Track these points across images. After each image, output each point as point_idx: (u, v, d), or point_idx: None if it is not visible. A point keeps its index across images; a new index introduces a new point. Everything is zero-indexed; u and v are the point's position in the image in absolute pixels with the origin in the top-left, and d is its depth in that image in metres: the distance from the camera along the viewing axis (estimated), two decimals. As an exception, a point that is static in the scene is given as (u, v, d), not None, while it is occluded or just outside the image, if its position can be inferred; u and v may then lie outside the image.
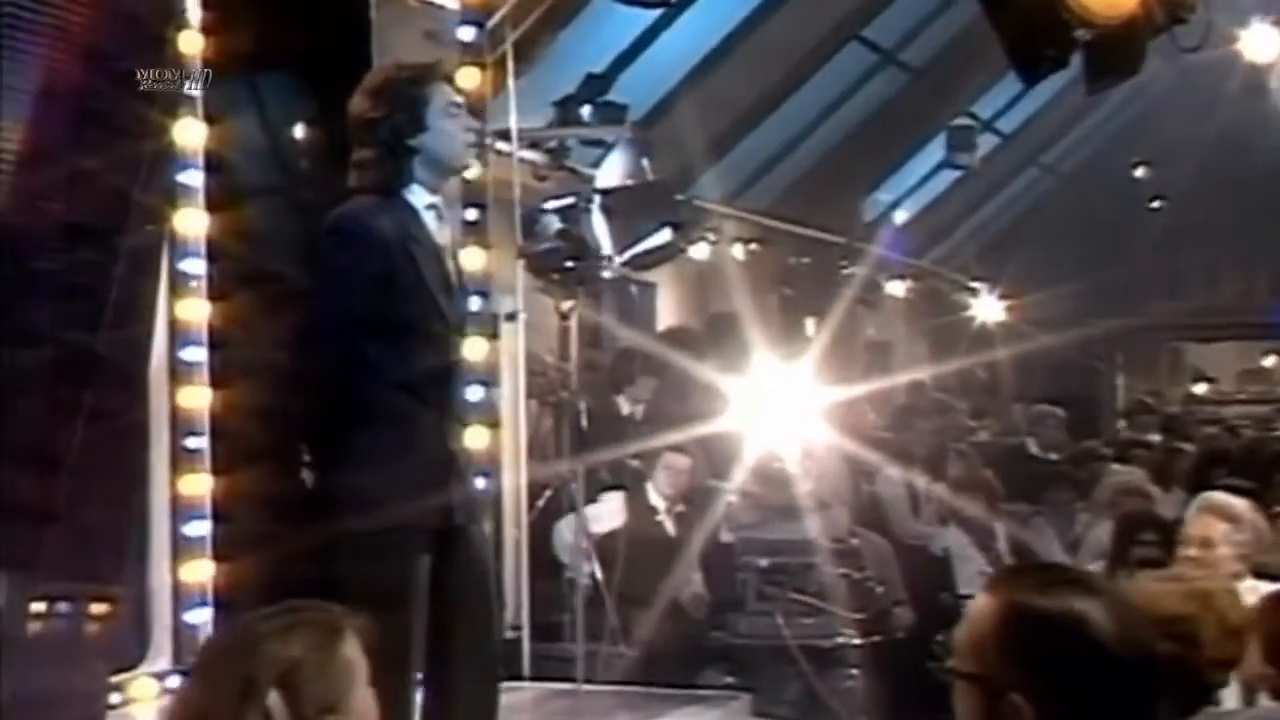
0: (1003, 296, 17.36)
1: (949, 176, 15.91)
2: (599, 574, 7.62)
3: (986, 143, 15.57)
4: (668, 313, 13.14)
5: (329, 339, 3.98)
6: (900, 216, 16.40)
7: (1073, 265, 17.27)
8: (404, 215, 4.11)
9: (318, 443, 4.10)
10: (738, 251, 12.24)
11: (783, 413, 7.57)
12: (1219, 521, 4.81)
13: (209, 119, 5.30)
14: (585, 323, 8.27)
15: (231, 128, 5.49)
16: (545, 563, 7.63)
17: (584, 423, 8.37)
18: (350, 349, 3.98)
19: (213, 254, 5.41)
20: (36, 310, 4.53)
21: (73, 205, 4.57)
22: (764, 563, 7.27)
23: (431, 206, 4.19)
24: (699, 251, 11.57)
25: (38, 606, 4.84)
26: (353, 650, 2.44)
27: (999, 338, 16.96)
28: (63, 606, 4.92)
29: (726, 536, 7.67)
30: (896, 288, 16.35)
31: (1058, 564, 2.52)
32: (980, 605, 2.13)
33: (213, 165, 5.37)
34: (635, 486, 7.97)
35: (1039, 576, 2.18)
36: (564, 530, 7.72)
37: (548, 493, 7.82)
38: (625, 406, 8.89)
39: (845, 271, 14.40)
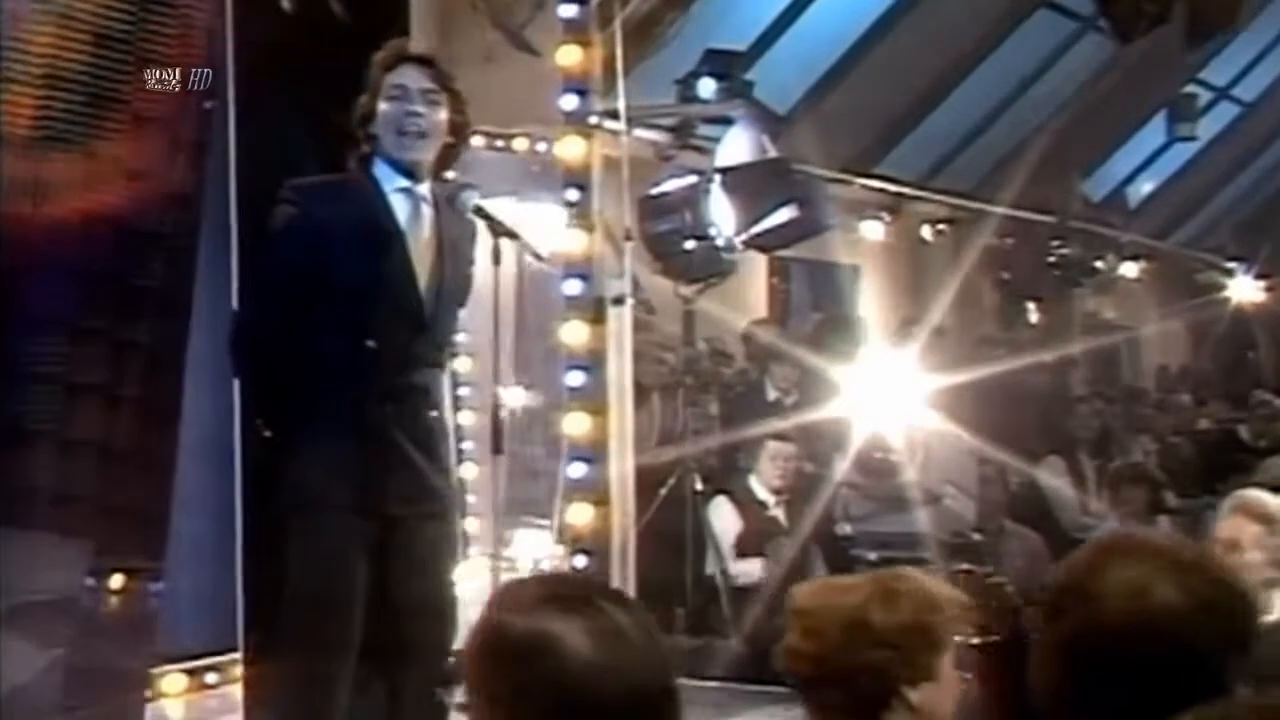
0: (1259, 276, 16.71)
1: (1185, 151, 15.36)
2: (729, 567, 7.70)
3: (1225, 113, 14.98)
4: (873, 296, 13.05)
5: (260, 312, 4.14)
6: (1135, 194, 15.90)
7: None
8: (362, 195, 4.19)
9: (268, 420, 4.24)
10: (926, 232, 12.07)
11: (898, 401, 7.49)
12: (1250, 523, 4.44)
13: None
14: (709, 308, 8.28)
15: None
16: (666, 552, 7.69)
17: (715, 409, 8.45)
18: (278, 326, 4.11)
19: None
20: (88, 303, 4.83)
21: (123, 205, 4.86)
22: (873, 556, 7.19)
23: (405, 191, 4.23)
24: (872, 231, 11.50)
25: (93, 581, 5.16)
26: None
27: (1256, 320, 16.35)
28: (117, 582, 5.24)
29: (844, 528, 7.61)
30: (1129, 269, 15.88)
31: (569, 576, 2.22)
32: (475, 621, 2.00)
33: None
34: (737, 483, 7.97)
35: (533, 590, 2.01)
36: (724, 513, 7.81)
37: (670, 481, 7.88)
38: (771, 392, 8.90)
39: (1061, 252, 14.05)
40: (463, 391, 9.76)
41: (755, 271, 12.06)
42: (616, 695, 1.89)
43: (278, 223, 4.19)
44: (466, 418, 9.81)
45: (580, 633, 1.90)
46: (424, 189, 4.28)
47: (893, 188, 11.47)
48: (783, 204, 7.65)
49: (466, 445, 9.88)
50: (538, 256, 4.16)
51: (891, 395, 8.10)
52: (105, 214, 4.75)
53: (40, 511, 4.68)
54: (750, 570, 7.65)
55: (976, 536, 7.54)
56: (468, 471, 10.04)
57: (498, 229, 4.15)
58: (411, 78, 4.21)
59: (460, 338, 9.51)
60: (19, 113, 4.50)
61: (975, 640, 7.15)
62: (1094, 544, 2.06)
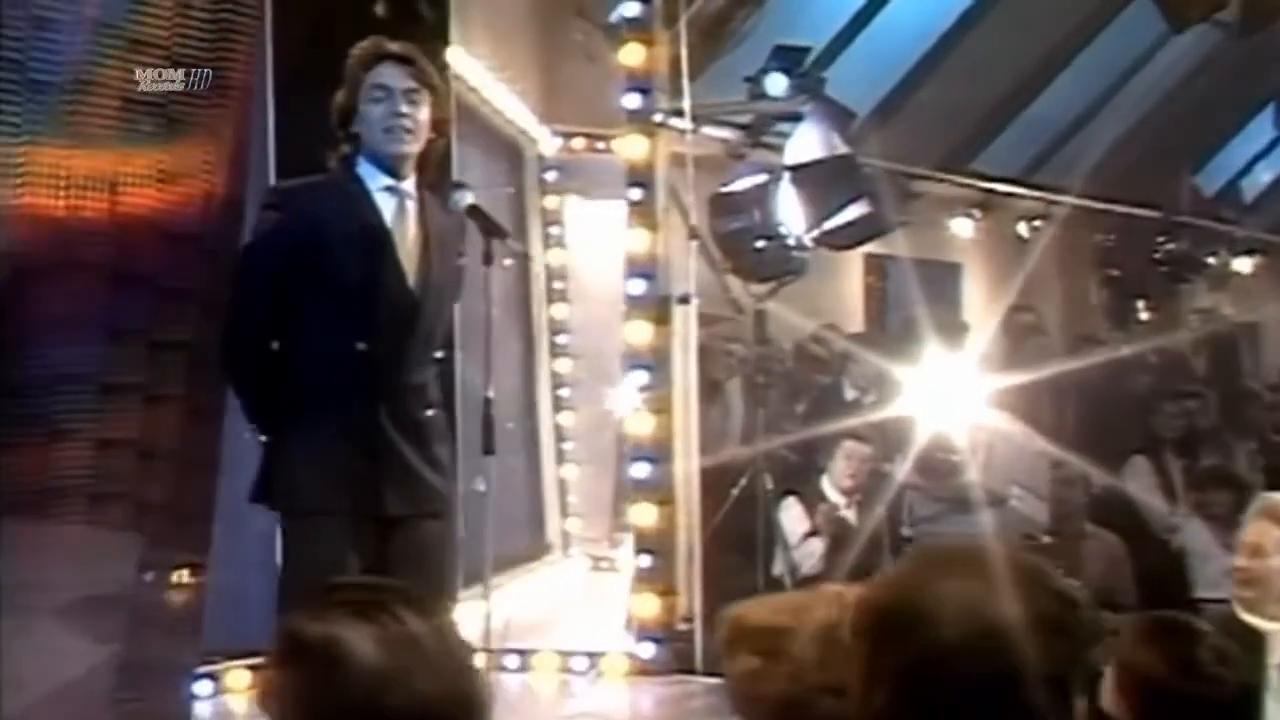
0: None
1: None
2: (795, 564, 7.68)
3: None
4: (976, 294, 12.92)
5: (248, 317, 4.19)
6: (1251, 187, 15.56)
7: None
8: (347, 194, 4.23)
9: (261, 426, 4.28)
10: (1022, 229, 11.92)
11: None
12: (1275, 527, 4.28)
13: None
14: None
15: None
16: (736, 552, 7.68)
17: (789, 409, 8.44)
18: (267, 331, 4.18)
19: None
20: (137, 309, 4.94)
21: (162, 207, 4.97)
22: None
23: (390, 189, 4.27)
24: (962, 228, 11.39)
25: (142, 576, 5.27)
26: None
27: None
28: (164, 577, 5.35)
29: (906, 530, 7.55)
30: (1244, 264, 15.54)
31: (371, 582, 2.15)
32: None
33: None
34: (807, 484, 7.94)
35: (342, 596, 2.01)
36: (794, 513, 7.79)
37: (742, 481, 7.87)
38: (849, 392, 8.86)
39: (1168, 248, 13.80)
40: (563, 393, 9.85)
41: (851, 270, 12.01)
42: (403, 705, 1.89)
43: (263, 226, 4.25)
44: (567, 418, 9.89)
45: (369, 640, 1.90)
46: (408, 185, 4.30)
47: (982, 184, 11.33)
48: (851, 201, 7.61)
49: (567, 446, 9.97)
50: (526, 257, 4.17)
51: (968, 395, 8.04)
52: (143, 216, 4.85)
53: (83, 508, 4.79)
54: (813, 551, 7.60)
55: (1047, 539, 7.42)
56: (569, 472, 10.13)
57: (490, 229, 4.17)
58: (393, 77, 4.23)
59: (561, 339, 9.65)
60: (55, 117, 4.60)
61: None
62: (919, 559, 1.94)
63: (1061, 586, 1.89)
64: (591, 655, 7.18)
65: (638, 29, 7.22)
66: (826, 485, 7.87)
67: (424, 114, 4.26)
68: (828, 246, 7.95)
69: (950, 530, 7.27)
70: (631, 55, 7.19)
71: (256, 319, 4.21)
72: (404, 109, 4.21)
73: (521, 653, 7.22)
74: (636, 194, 7.21)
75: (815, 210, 7.60)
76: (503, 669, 7.14)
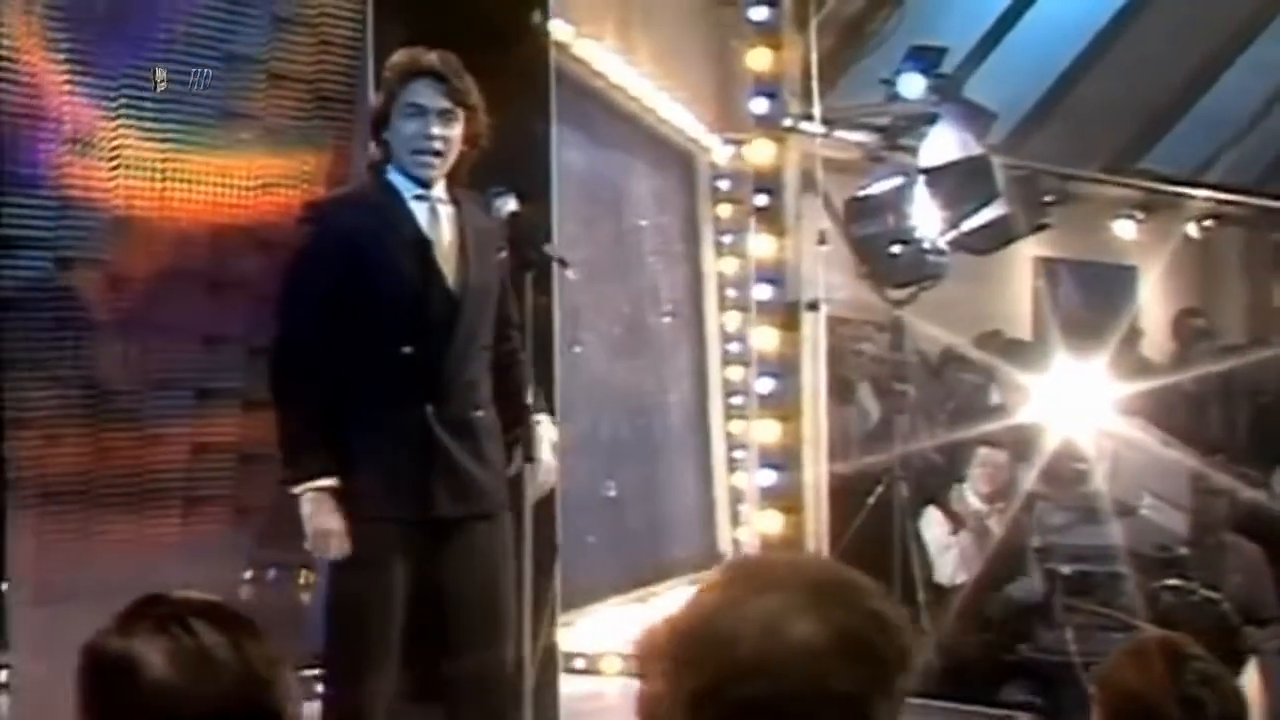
0: None
1: None
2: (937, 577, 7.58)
3: None
4: (1155, 296, 12.58)
5: (298, 333, 4.24)
6: None
7: None
8: (382, 205, 4.26)
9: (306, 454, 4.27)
10: (1192, 229, 11.57)
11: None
12: None
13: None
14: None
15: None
16: (868, 562, 7.58)
17: (944, 414, 8.32)
18: (318, 345, 4.19)
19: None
20: (234, 316, 5.08)
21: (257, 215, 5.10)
22: (1067, 570, 6.93)
23: (420, 197, 4.28)
24: (1124, 230, 11.09)
25: (253, 574, 5.41)
26: None
27: None
28: (276, 576, 5.48)
29: (1036, 541, 7.37)
30: None
31: (172, 596, 2.11)
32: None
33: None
34: (945, 491, 7.81)
35: (145, 610, 1.99)
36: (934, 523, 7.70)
37: (879, 489, 7.78)
38: (995, 397, 8.72)
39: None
40: (735, 400, 9.84)
41: (1019, 273, 11.79)
42: (191, 718, 1.90)
43: (302, 242, 4.32)
44: (738, 426, 9.87)
45: (160, 653, 1.91)
46: (438, 191, 4.32)
47: (1145, 183, 11.02)
48: (986, 203, 7.47)
49: (739, 454, 9.95)
50: (563, 264, 4.16)
51: (1118, 402, 7.87)
52: (241, 224, 4.98)
53: (180, 510, 4.93)
54: (956, 560, 7.50)
55: (1183, 550, 7.19)
56: (740, 480, 10.11)
57: (532, 237, 4.18)
58: (427, 97, 4.24)
59: (734, 347, 9.64)
60: (148, 127, 4.75)
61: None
62: (727, 573, 1.80)
63: (875, 606, 1.75)
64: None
65: (765, 32, 7.19)
66: (968, 493, 7.75)
67: (456, 132, 4.27)
68: (965, 250, 7.81)
69: (1081, 542, 7.09)
70: (759, 59, 7.17)
71: (308, 334, 4.22)
72: (436, 130, 4.23)
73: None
74: (763, 199, 7.18)
75: (949, 213, 7.48)
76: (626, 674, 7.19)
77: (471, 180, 4.41)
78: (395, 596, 4.10)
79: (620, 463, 8.98)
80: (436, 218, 4.29)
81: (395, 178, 4.28)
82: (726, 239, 9.21)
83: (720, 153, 9.21)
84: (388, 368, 4.16)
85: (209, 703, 1.91)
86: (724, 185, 9.18)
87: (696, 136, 9.01)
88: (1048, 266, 11.90)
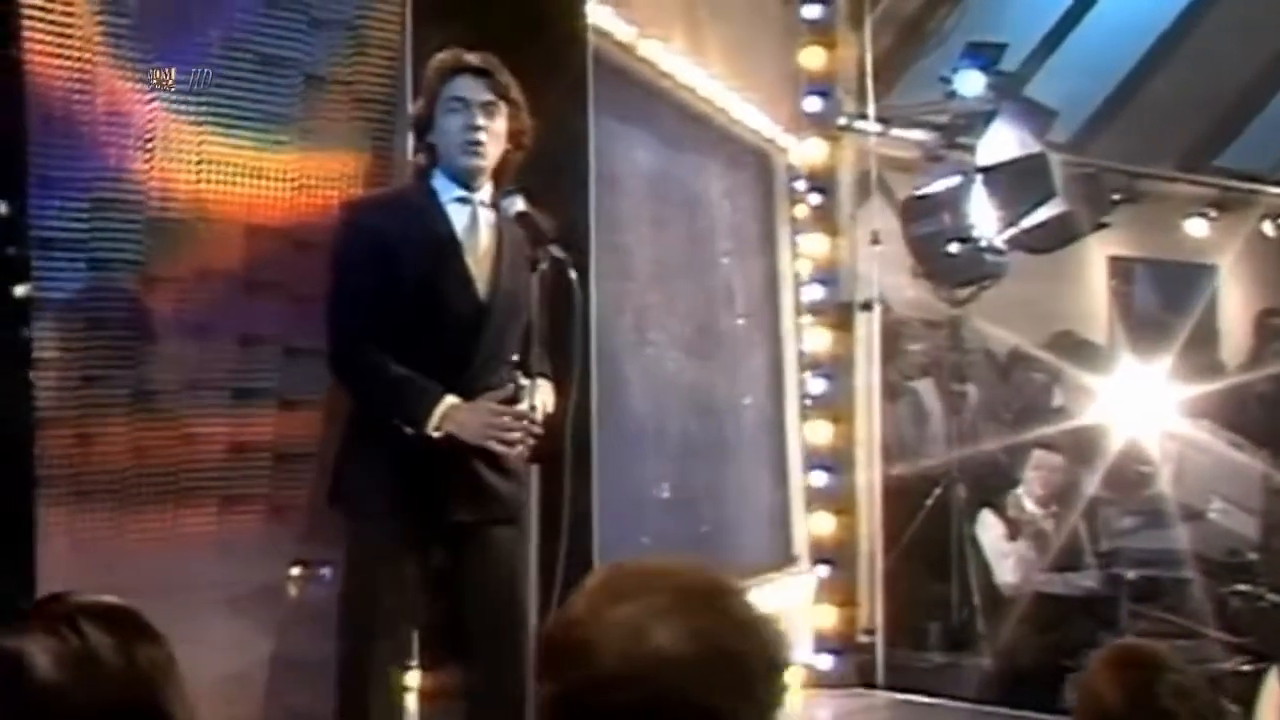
0: None
1: None
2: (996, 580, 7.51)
3: None
4: (1233, 296, 12.38)
5: (333, 326, 4.25)
6: None
7: None
8: (419, 206, 4.28)
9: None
10: (1268, 228, 11.36)
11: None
12: None
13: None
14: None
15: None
16: (924, 564, 7.53)
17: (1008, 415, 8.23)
18: (351, 337, 4.22)
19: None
20: (270, 316, 5.12)
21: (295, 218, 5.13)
22: (1132, 575, 6.83)
23: (462, 200, 4.30)
24: (1196, 229, 10.91)
25: (299, 572, 5.44)
26: None
27: None
28: (320, 573, 5.52)
29: (1105, 544, 7.28)
30: None
31: (67, 595, 2.11)
32: None
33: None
34: (1002, 494, 7.72)
35: (38, 610, 2.02)
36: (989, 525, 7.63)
37: (936, 490, 7.71)
38: (1057, 398, 8.62)
39: None
40: (810, 403, 9.77)
41: (1094, 273, 11.64)
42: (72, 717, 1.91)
43: (338, 242, 4.34)
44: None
45: (45, 653, 1.92)
46: (482, 195, 4.33)
47: (1216, 180, 10.84)
48: (1041, 202, 7.38)
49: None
50: (574, 267, 4.15)
51: (1184, 404, 7.75)
52: (277, 225, 5.00)
53: (216, 509, 4.96)
54: (1013, 564, 7.43)
55: (1252, 555, 7.06)
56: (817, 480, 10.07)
57: (539, 237, 4.17)
58: (470, 89, 4.27)
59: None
60: (185, 129, 4.78)
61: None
62: (596, 579, 1.78)
63: (741, 613, 1.74)
64: (770, 665, 7.13)
65: (819, 31, 7.14)
66: (1023, 498, 7.66)
67: (500, 126, 4.29)
68: (1024, 249, 7.72)
69: (1147, 546, 6.98)
70: (812, 58, 7.12)
71: (361, 328, 4.23)
72: (480, 121, 4.25)
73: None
74: (816, 199, 7.13)
75: (1006, 212, 7.40)
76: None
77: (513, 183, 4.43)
78: (406, 596, 4.12)
79: (690, 463, 8.96)
80: (475, 223, 4.31)
81: (439, 181, 4.31)
82: (802, 240, 9.18)
83: (797, 153, 9.18)
84: (412, 368, 4.17)
85: (92, 704, 1.92)
86: (800, 186, 9.15)
87: (773, 137, 8.98)
88: (1123, 266, 11.75)
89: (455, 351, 4.20)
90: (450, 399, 4.14)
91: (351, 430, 4.31)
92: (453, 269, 4.23)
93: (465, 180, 4.29)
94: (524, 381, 4.18)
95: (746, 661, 1.70)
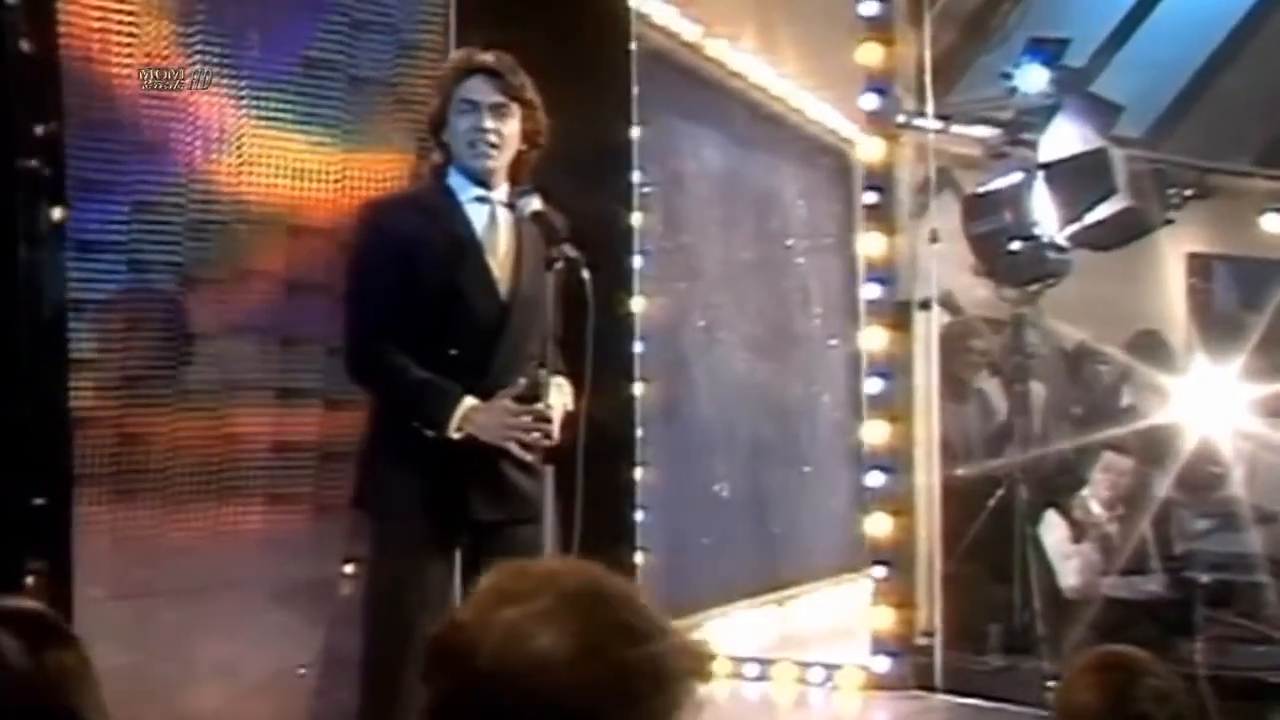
0: None
1: None
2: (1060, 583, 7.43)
3: None
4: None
5: (351, 328, 4.27)
6: None
7: None
8: (438, 207, 4.29)
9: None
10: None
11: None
12: None
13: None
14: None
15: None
16: (983, 564, 7.45)
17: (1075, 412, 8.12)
18: (370, 339, 4.23)
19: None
20: (313, 316, 5.17)
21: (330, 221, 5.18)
22: (1205, 579, 6.68)
23: (481, 199, 4.31)
24: (1273, 224, 10.71)
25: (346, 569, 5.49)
26: None
27: None
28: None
29: (1179, 547, 7.15)
30: None
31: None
32: None
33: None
34: (1067, 496, 7.62)
35: None
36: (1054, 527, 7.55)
37: (999, 491, 7.63)
38: (1127, 397, 8.50)
39: None
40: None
41: (1172, 271, 11.48)
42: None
43: (357, 241, 4.36)
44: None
45: None
46: (499, 194, 4.34)
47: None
48: (1102, 198, 7.26)
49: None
50: (589, 266, 4.13)
51: (1247, 404, 7.62)
52: (319, 225, 5.06)
53: (261, 507, 5.02)
54: (1077, 567, 7.35)
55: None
56: (874, 480, 10.01)
57: (553, 236, 4.16)
58: (481, 91, 4.28)
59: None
60: (225, 131, 4.84)
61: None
62: (487, 581, 1.76)
63: (624, 617, 1.71)
64: (828, 667, 7.10)
65: (876, 28, 7.08)
66: (1090, 500, 7.56)
67: (511, 127, 4.30)
68: (1088, 246, 7.59)
69: (1221, 550, 6.84)
70: (869, 55, 7.06)
71: (376, 319, 4.24)
72: (489, 123, 4.27)
73: (761, 662, 7.21)
74: (872, 197, 7.08)
75: (1067, 208, 7.29)
76: (741, 677, 7.16)
77: (553, 185, 4.44)
78: (429, 595, 4.13)
79: (760, 463, 8.93)
80: (494, 223, 4.32)
81: (455, 180, 4.33)
82: (860, 238, 9.08)
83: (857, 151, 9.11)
84: (432, 368, 4.18)
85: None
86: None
87: (850, 135, 8.92)
88: (1202, 263, 11.58)
89: (477, 352, 4.21)
90: (469, 400, 4.16)
91: (374, 430, 4.33)
92: (474, 269, 4.25)
93: (480, 180, 4.32)
94: (543, 379, 4.17)
95: (626, 665, 1.68)
